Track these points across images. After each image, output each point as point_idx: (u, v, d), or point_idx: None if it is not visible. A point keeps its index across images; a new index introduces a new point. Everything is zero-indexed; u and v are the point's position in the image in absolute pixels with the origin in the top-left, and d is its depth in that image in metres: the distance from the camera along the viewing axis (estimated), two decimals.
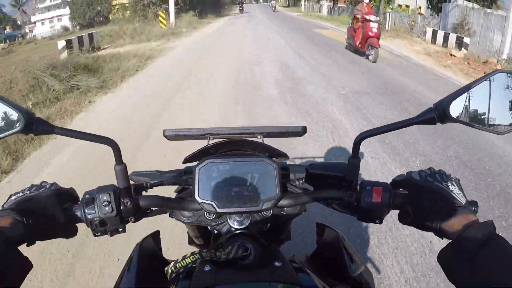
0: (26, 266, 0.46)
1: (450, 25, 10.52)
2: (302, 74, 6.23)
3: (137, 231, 1.61)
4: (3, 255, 0.42)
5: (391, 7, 16.66)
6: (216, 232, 0.80)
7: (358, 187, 0.58)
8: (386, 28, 12.01)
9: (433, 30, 10.34)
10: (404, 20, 12.70)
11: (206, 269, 0.50)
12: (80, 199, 0.56)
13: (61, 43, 8.01)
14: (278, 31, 14.19)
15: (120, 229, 0.56)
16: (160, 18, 14.44)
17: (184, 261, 0.51)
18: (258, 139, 0.68)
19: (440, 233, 0.51)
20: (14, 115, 0.47)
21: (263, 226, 0.70)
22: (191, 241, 0.87)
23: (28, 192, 0.53)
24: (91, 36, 9.69)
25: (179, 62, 7.80)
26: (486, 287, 0.40)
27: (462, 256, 0.43)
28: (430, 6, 13.58)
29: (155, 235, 0.79)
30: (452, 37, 9.21)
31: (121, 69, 6.62)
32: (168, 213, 0.68)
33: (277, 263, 0.51)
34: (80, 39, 8.84)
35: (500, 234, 0.44)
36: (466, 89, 0.49)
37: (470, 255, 0.42)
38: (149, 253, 0.74)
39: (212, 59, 7.98)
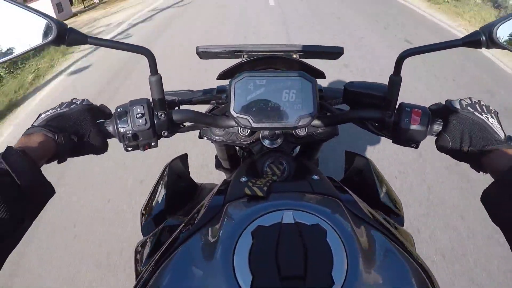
0: (48, 191, 0.43)
1: None
2: None
3: None
4: (27, 179, 0.38)
5: None
6: (245, 154, 0.81)
7: (396, 110, 0.56)
8: None
9: None
10: None
11: (243, 180, 0.50)
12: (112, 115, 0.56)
13: None
14: None
15: (152, 143, 0.56)
16: None
17: (261, 180, 0.48)
18: (294, 58, 0.64)
19: (478, 167, 0.50)
20: (46, 25, 0.45)
21: (293, 148, 0.69)
22: (219, 165, 0.88)
23: (59, 109, 0.52)
24: None
25: None
26: None
27: (508, 196, 0.42)
28: None
29: (183, 158, 0.80)
30: None
31: None
32: (199, 132, 0.68)
33: (315, 176, 0.51)
34: None
35: None
36: None
37: None
38: (178, 173, 0.76)
39: None
